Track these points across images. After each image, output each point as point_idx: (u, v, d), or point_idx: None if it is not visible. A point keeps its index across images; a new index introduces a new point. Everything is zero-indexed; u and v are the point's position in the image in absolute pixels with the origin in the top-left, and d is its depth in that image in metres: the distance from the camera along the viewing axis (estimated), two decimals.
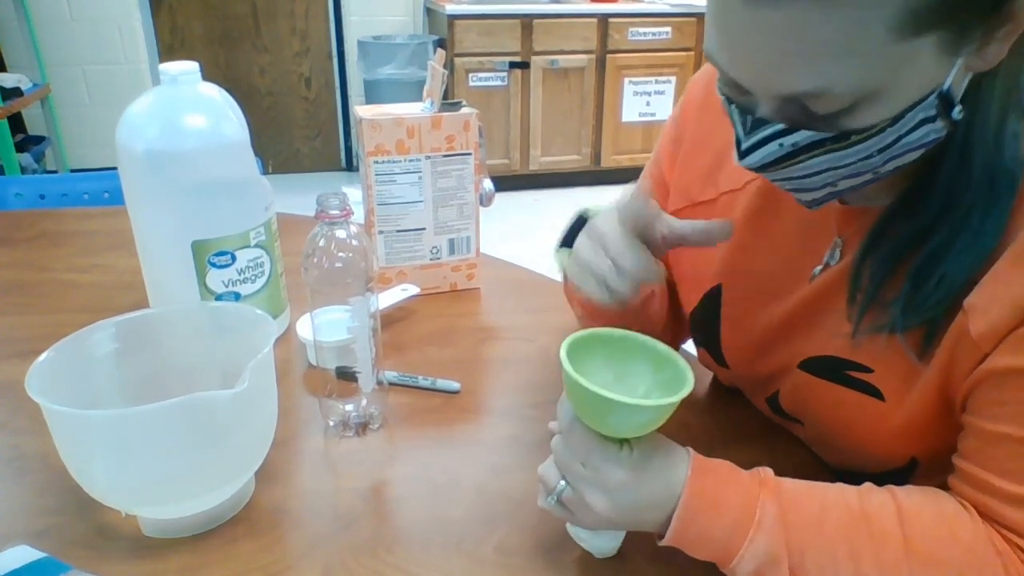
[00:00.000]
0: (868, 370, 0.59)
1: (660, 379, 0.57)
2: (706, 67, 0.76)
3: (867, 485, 0.55)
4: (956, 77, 0.46)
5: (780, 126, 0.49)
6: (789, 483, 0.54)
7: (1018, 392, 0.49)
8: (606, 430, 0.54)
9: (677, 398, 0.51)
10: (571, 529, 0.60)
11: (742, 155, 0.52)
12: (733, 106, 0.52)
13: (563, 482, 0.56)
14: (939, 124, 0.48)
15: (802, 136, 0.48)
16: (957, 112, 0.48)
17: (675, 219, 0.62)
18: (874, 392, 0.59)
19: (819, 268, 0.63)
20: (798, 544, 0.51)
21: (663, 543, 0.54)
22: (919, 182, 0.54)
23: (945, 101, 0.47)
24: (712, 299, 0.73)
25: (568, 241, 0.70)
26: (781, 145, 0.49)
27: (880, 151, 0.48)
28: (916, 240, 0.53)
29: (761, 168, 0.52)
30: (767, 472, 0.55)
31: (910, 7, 0.41)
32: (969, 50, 0.45)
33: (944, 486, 0.55)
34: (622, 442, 0.55)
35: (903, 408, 0.57)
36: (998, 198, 0.50)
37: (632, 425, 0.53)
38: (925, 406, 0.56)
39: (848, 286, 0.58)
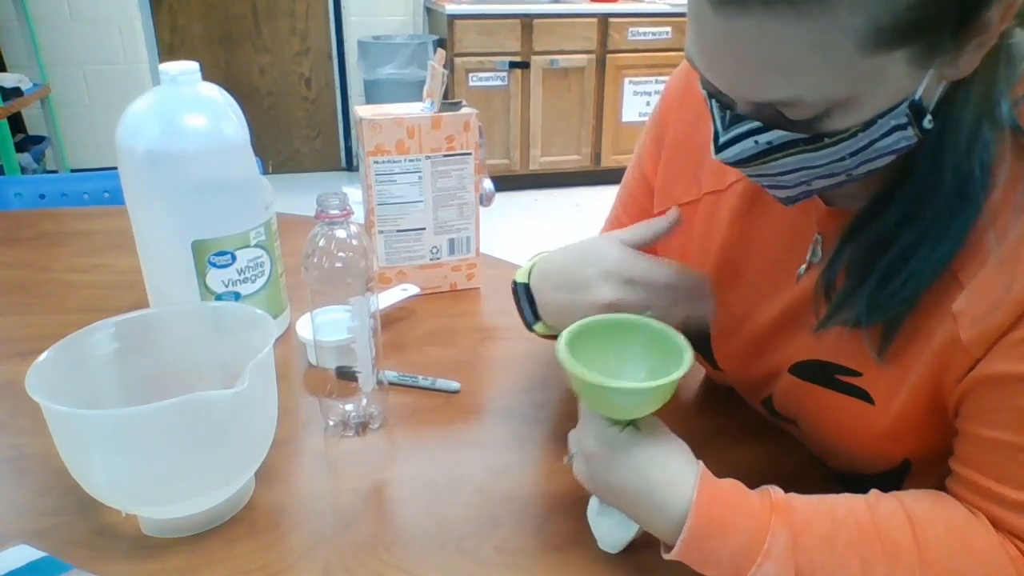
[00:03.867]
0: (857, 374, 0.59)
1: (663, 359, 0.57)
2: (683, 65, 0.76)
3: (875, 493, 0.54)
4: (928, 86, 0.47)
5: (756, 124, 0.49)
6: (800, 501, 0.53)
7: (1011, 398, 0.49)
8: (605, 413, 0.57)
9: (672, 378, 0.53)
10: (588, 514, 0.61)
11: (719, 149, 0.53)
12: (713, 100, 0.52)
13: (576, 448, 0.59)
14: (910, 132, 0.48)
15: (776, 136, 0.49)
16: (928, 122, 0.48)
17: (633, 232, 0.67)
18: (863, 395, 0.59)
19: (803, 267, 0.63)
20: (809, 567, 0.50)
21: (668, 558, 0.53)
22: (894, 185, 0.54)
23: (916, 110, 0.47)
24: None
25: (532, 315, 0.73)
26: (756, 142, 0.50)
27: (852, 155, 0.49)
28: (887, 240, 0.53)
29: (737, 163, 0.53)
30: (777, 493, 0.54)
31: (877, 25, 0.42)
32: (941, 62, 0.46)
33: (939, 486, 0.55)
34: (627, 423, 0.57)
35: (892, 411, 0.57)
36: (966, 203, 0.50)
37: (627, 406, 0.55)
38: (915, 409, 0.56)
39: (820, 281, 0.59)
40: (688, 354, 0.55)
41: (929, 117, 0.48)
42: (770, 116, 0.49)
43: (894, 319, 0.54)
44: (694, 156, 0.72)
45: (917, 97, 0.46)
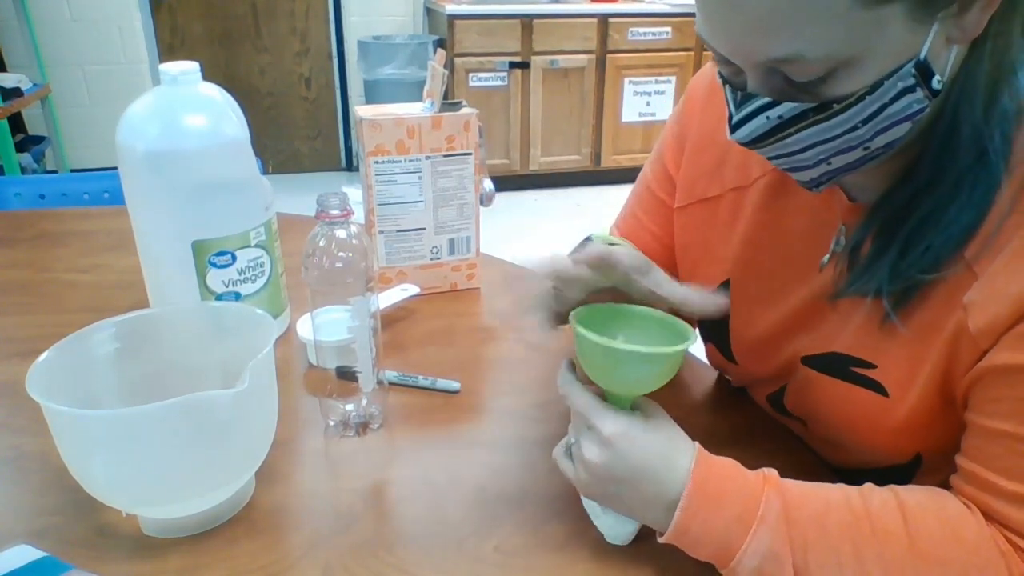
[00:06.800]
0: (872, 366, 0.59)
1: (666, 339, 0.59)
2: (708, 65, 0.76)
3: (869, 485, 0.55)
4: (934, 47, 0.47)
5: (766, 99, 0.50)
6: (792, 482, 0.54)
7: (1014, 388, 0.49)
8: (615, 387, 0.57)
9: (682, 347, 0.54)
10: (587, 505, 0.61)
11: (732, 129, 0.53)
12: (727, 85, 0.53)
13: (573, 438, 0.59)
14: (920, 95, 0.48)
15: (786, 108, 0.50)
16: (937, 82, 0.48)
17: (670, 283, 0.60)
18: (878, 388, 0.59)
19: (827, 257, 0.63)
20: (801, 542, 0.51)
21: (664, 540, 0.54)
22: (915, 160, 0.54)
23: (923, 71, 0.47)
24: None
25: None
26: (768, 118, 0.51)
27: (864, 122, 0.49)
28: (909, 207, 0.54)
29: (752, 142, 0.53)
30: (771, 471, 0.55)
31: None
32: (944, 18, 0.46)
33: (947, 484, 0.55)
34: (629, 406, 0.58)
35: (906, 404, 0.57)
36: (987, 175, 0.50)
37: (639, 376, 0.55)
38: (929, 402, 0.56)
39: (845, 250, 0.59)
40: (692, 331, 0.57)
41: (938, 77, 0.48)
42: (778, 87, 0.49)
43: (913, 287, 0.54)
44: (718, 154, 0.73)
45: (922, 57, 0.46)
